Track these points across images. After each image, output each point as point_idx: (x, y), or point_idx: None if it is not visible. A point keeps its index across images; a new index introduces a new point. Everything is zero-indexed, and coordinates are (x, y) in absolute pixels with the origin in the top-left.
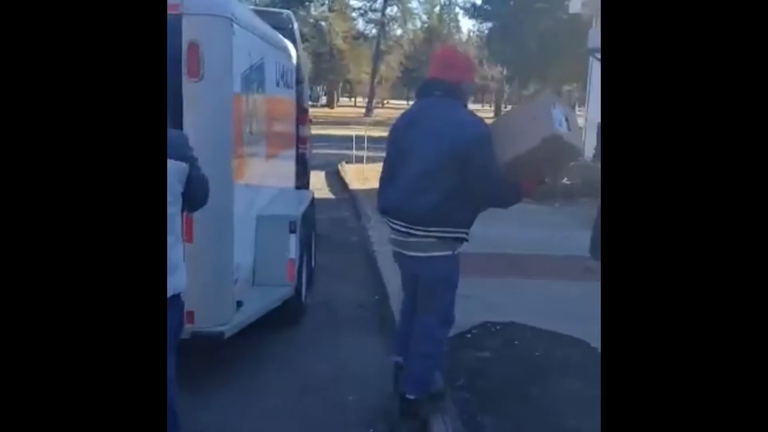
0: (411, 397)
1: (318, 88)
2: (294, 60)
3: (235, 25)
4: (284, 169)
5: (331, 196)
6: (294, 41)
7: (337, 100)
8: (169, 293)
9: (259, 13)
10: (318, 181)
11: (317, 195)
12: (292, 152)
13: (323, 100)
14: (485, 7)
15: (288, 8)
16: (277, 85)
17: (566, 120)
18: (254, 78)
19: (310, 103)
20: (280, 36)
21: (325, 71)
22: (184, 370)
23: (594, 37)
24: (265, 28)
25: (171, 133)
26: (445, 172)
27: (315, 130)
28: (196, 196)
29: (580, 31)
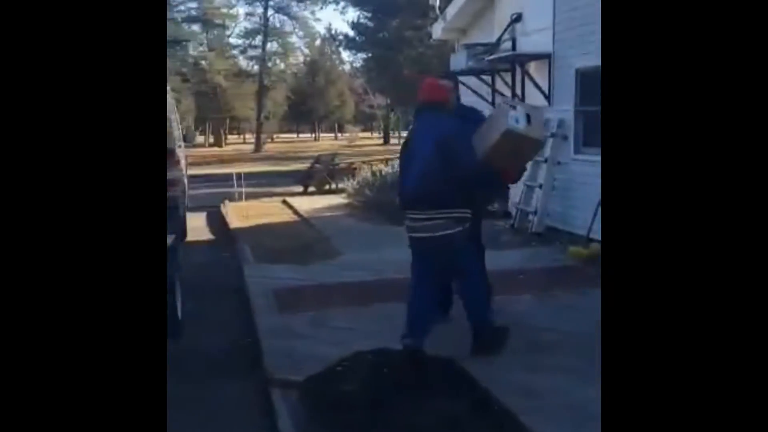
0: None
1: (192, 129)
2: None
3: None
4: None
5: (210, 236)
6: None
7: (226, 138)
8: None
9: None
10: (198, 223)
11: (197, 237)
12: None
13: (200, 139)
14: (358, 39)
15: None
16: None
17: (527, 117)
18: None
19: (182, 144)
20: None
21: (209, 110)
22: None
23: (455, 61)
24: None
25: None
26: (437, 164)
27: (200, 170)
28: None
29: (447, 55)
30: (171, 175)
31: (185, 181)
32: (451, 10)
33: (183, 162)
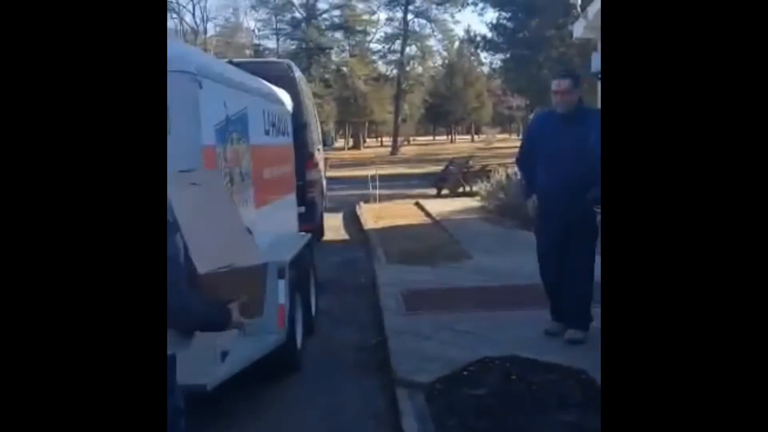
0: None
1: (332, 132)
2: (289, 107)
3: (203, 79)
4: (281, 215)
5: (346, 237)
6: (295, 89)
7: (364, 141)
8: None
9: (255, 64)
10: (335, 223)
11: (333, 237)
12: (292, 197)
13: (340, 143)
14: (497, 40)
15: (310, 57)
16: (267, 133)
17: None
18: (233, 129)
19: (321, 148)
20: (268, 85)
21: (350, 114)
22: None
23: (596, 61)
24: (247, 78)
25: None
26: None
27: (337, 173)
28: None
29: (589, 54)
30: (309, 176)
31: (323, 183)
32: (592, 9)
33: (321, 165)
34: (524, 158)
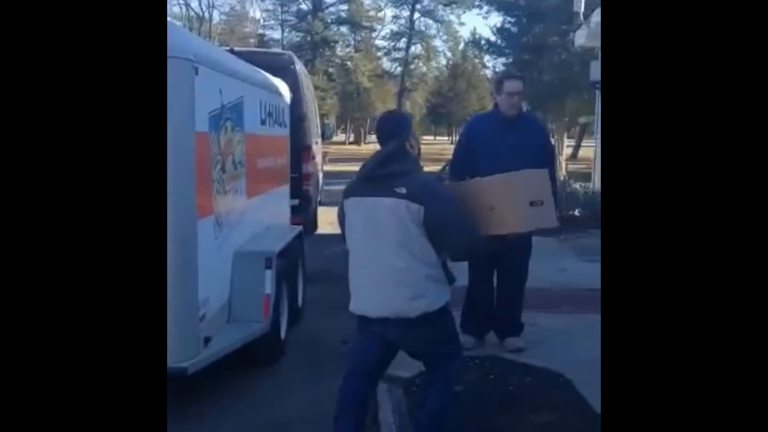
0: None
1: (332, 125)
2: (287, 98)
3: (199, 66)
4: (273, 206)
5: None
6: (296, 80)
7: (365, 137)
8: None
9: (256, 54)
10: (331, 217)
11: (327, 231)
12: (285, 189)
13: (341, 137)
14: (500, 43)
15: (315, 50)
16: (263, 123)
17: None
18: (227, 117)
19: (318, 141)
20: (267, 75)
21: (352, 109)
22: None
23: (596, 69)
24: (245, 68)
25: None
26: None
27: (337, 167)
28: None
29: (587, 63)
30: (305, 169)
31: (320, 176)
32: (595, 18)
33: (318, 158)
34: (461, 163)
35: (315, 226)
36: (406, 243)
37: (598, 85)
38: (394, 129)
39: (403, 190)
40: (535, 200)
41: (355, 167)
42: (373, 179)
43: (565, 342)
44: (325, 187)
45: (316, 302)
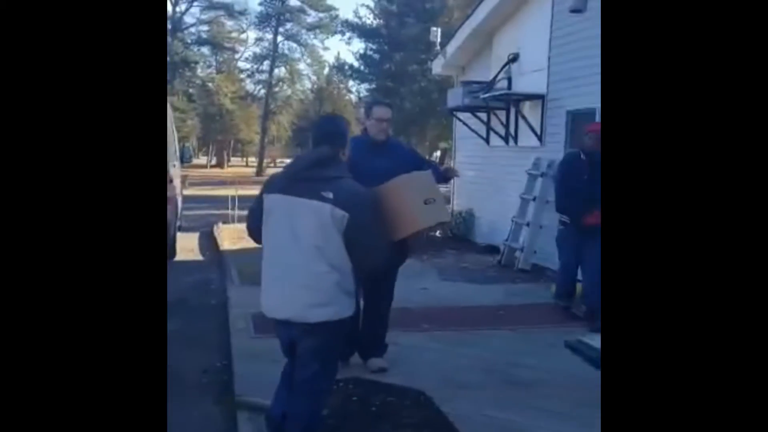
0: None
1: (191, 148)
2: None
3: None
4: None
5: (200, 258)
6: None
7: (228, 160)
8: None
9: None
10: (191, 244)
11: (187, 257)
12: None
13: (202, 160)
14: (363, 70)
15: (174, 70)
16: None
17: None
18: None
19: (176, 164)
20: None
21: (215, 131)
22: None
23: (452, 97)
24: None
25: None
26: None
27: (198, 191)
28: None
29: (445, 91)
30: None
31: (178, 201)
32: (450, 48)
33: (177, 181)
34: None
35: (173, 252)
36: (324, 248)
37: (455, 113)
38: (332, 133)
39: (330, 195)
40: (428, 198)
41: (218, 191)
42: (301, 179)
43: (426, 360)
44: (185, 212)
45: (174, 334)
